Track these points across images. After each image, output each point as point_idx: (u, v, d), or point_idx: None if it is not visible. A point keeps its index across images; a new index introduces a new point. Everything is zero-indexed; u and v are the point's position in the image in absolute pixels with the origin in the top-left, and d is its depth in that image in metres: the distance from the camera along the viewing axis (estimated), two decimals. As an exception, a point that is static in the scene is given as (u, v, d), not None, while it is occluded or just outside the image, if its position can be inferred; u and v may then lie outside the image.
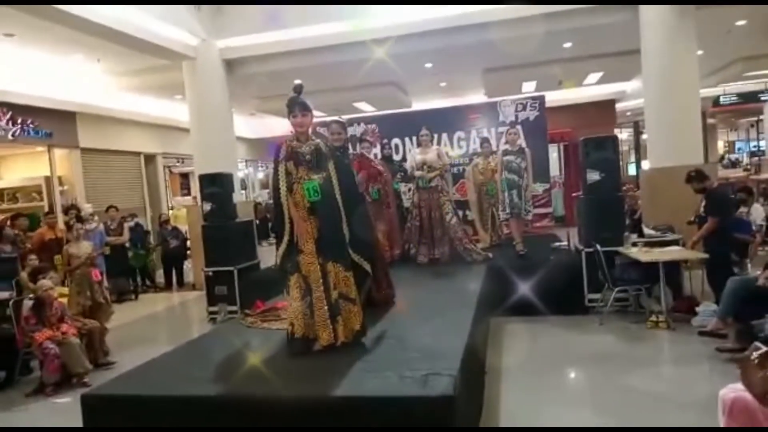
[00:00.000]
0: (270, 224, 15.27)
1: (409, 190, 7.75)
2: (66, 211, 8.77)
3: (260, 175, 18.86)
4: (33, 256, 6.40)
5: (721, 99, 15.13)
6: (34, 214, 8.87)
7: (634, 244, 5.95)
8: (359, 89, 12.01)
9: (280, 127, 14.30)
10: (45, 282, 5.37)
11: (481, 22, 8.07)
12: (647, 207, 7.57)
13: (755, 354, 2.62)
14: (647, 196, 7.79)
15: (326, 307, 3.41)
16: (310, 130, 3.59)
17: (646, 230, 6.44)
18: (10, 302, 5.50)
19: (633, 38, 7.94)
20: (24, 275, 6.05)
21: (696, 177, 5.79)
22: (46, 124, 9.58)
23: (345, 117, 6.96)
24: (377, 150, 8.67)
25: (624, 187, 7.65)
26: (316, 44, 8.65)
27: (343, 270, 3.47)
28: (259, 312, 4.73)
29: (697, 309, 5.53)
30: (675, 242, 6.03)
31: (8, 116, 8.90)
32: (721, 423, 2.78)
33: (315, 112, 3.76)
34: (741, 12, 8.47)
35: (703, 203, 5.77)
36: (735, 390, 2.74)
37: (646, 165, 9.64)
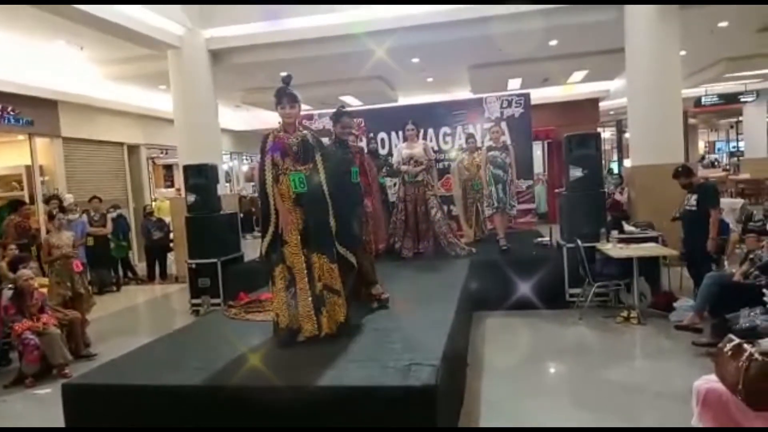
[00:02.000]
0: (254, 217, 15.24)
1: (395, 184, 7.77)
2: (47, 201, 8.63)
3: (245, 168, 18.74)
4: (13, 246, 6.31)
5: (703, 99, 15.38)
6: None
7: (610, 240, 6.03)
8: (346, 83, 11.98)
9: (266, 119, 14.25)
10: (25, 272, 5.31)
11: (469, 18, 8.10)
12: (627, 204, 7.69)
13: (729, 346, 2.71)
14: (628, 194, 7.92)
15: (310, 299, 3.43)
16: (297, 122, 3.60)
17: (627, 227, 6.53)
18: (-11, 292, 5.43)
19: (618, 37, 8.02)
20: (3, 265, 5.97)
21: (683, 172, 5.97)
22: (27, 112, 9.40)
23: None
24: (363, 144, 8.67)
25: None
26: (303, 36, 8.60)
27: (328, 262, 3.49)
28: (243, 304, 4.74)
29: (675, 304, 5.64)
30: (652, 239, 6.13)
31: (-12, 103, 8.74)
32: (695, 413, 2.87)
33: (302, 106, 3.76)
34: (724, 13, 8.61)
35: (693, 198, 5.84)
36: (709, 381, 2.84)
37: (628, 163, 9.77)
